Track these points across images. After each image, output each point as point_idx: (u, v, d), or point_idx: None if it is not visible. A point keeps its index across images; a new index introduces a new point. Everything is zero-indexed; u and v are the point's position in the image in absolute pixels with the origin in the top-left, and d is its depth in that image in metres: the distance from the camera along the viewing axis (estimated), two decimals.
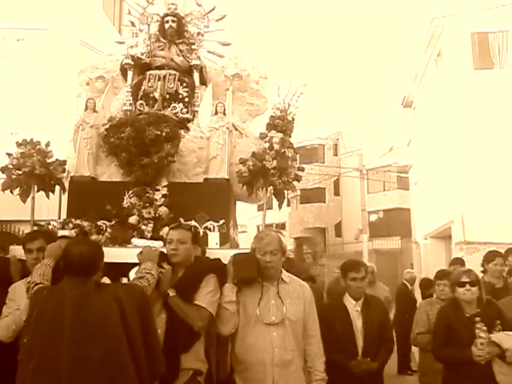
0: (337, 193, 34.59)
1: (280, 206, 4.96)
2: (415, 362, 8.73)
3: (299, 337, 3.57)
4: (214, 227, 4.79)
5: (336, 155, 34.73)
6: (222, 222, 4.81)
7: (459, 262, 6.99)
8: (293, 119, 6.00)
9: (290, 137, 5.52)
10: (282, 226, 31.96)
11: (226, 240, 4.79)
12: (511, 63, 15.99)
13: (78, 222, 4.67)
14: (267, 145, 4.98)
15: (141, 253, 3.62)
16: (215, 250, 4.35)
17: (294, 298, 3.60)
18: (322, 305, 4.80)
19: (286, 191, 5.01)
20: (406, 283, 10.34)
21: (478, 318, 3.97)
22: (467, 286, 4.03)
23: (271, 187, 4.90)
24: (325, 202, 33.92)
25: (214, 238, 4.67)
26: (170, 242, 3.64)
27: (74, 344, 2.53)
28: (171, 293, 3.39)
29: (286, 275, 3.70)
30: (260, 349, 3.43)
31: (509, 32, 16.10)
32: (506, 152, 14.57)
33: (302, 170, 5.21)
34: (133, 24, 6.10)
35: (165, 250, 3.70)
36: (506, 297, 4.74)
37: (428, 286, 6.99)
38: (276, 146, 4.95)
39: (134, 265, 3.68)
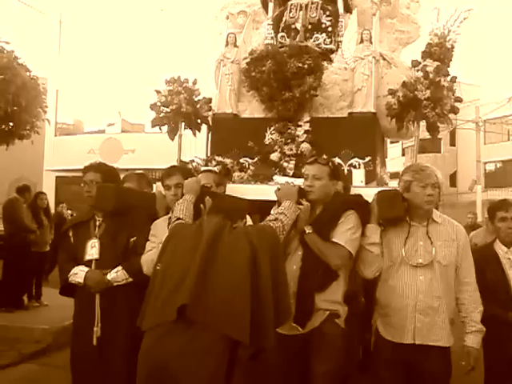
0: (452, 143, 34.78)
1: (434, 137, 4.53)
2: None
3: (450, 283, 3.19)
4: (359, 164, 4.54)
5: None
6: (367, 159, 4.56)
7: None
8: (452, 47, 5.40)
9: (448, 67, 4.98)
10: (396, 175, 30.53)
11: (372, 178, 4.54)
12: None
13: (220, 159, 4.68)
14: (420, 73, 4.50)
15: (278, 189, 3.47)
16: (360, 187, 4.10)
17: (445, 240, 3.21)
18: None
19: (440, 125, 4.54)
20: None
21: None
22: None
23: (423, 121, 4.47)
24: (440, 152, 33.68)
25: (358, 176, 4.43)
26: (305, 177, 3.43)
27: (201, 275, 2.48)
28: (308, 230, 3.22)
29: (437, 215, 3.30)
30: (403, 293, 3.13)
31: None
32: None
33: (460, 100, 4.66)
34: None
35: None
36: None
37: None
38: (430, 75, 4.45)
39: (275, 202, 3.57)
